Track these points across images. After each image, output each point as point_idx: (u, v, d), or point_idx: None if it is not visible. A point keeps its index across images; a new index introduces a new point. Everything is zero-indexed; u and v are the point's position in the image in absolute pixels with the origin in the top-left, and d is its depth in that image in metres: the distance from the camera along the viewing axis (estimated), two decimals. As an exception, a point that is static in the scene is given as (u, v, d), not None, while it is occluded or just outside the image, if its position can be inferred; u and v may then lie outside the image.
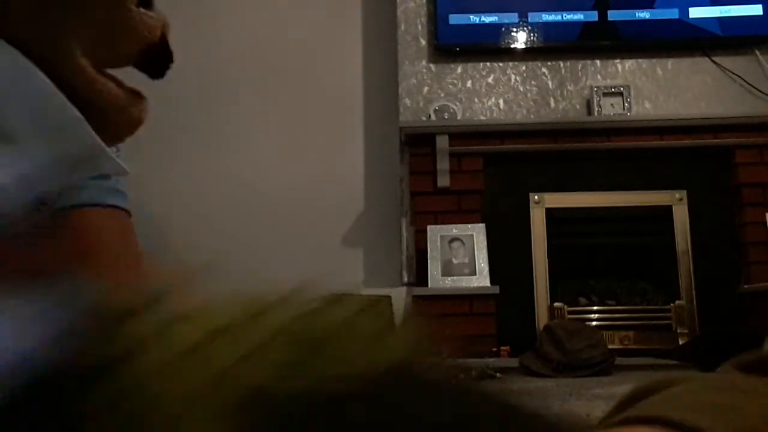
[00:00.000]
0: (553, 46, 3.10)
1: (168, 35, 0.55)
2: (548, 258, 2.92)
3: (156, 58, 0.55)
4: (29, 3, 0.45)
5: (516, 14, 3.09)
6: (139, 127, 0.55)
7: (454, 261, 2.87)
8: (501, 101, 3.13)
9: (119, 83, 0.53)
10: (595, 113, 3.04)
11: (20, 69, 0.42)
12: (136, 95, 0.54)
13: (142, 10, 0.53)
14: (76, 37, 0.48)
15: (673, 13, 3.07)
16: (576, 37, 3.08)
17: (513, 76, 3.15)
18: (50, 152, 0.44)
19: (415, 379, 0.32)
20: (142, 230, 0.69)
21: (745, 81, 3.08)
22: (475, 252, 2.87)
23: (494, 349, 2.74)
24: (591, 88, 3.09)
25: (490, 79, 3.15)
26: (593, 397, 1.79)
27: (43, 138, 0.43)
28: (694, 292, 2.88)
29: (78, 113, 0.45)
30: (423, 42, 3.16)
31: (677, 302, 2.85)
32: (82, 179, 0.55)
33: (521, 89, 3.14)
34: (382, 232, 3.15)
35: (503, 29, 3.09)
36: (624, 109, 3.05)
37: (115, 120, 0.52)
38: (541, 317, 2.85)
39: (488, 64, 3.15)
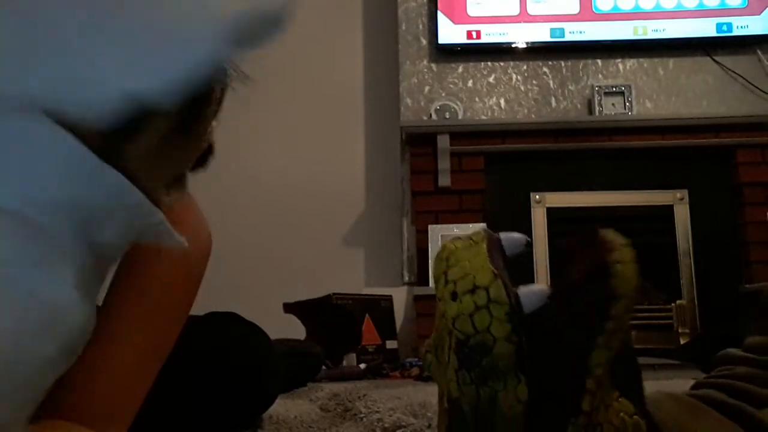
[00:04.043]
0: (555, 45, 3.10)
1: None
2: (549, 257, 2.92)
3: (202, 155, 0.54)
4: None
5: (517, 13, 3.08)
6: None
7: (455, 260, 2.86)
8: (502, 101, 3.13)
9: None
10: (597, 113, 3.04)
11: (122, 185, 0.42)
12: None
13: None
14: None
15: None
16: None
17: (514, 76, 3.15)
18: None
19: None
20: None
21: (746, 80, 3.07)
22: (476, 251, 2.86)
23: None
24: (592, 87, 3.09)
25: (491, 79, 3.15)
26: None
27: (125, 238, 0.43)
28: (695, 291, 2.88)
29: (161, 215, 0.43)
30: (424, 41, 3.16)
31: (678, 302, 2.85)
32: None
33: (522, 89, 3.14)
34: (383, 231, 3.15)
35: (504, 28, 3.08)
36: (625, 108, 3.05)
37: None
38: (542, 317, 2.84)
39: (489, 63, 3.15)
